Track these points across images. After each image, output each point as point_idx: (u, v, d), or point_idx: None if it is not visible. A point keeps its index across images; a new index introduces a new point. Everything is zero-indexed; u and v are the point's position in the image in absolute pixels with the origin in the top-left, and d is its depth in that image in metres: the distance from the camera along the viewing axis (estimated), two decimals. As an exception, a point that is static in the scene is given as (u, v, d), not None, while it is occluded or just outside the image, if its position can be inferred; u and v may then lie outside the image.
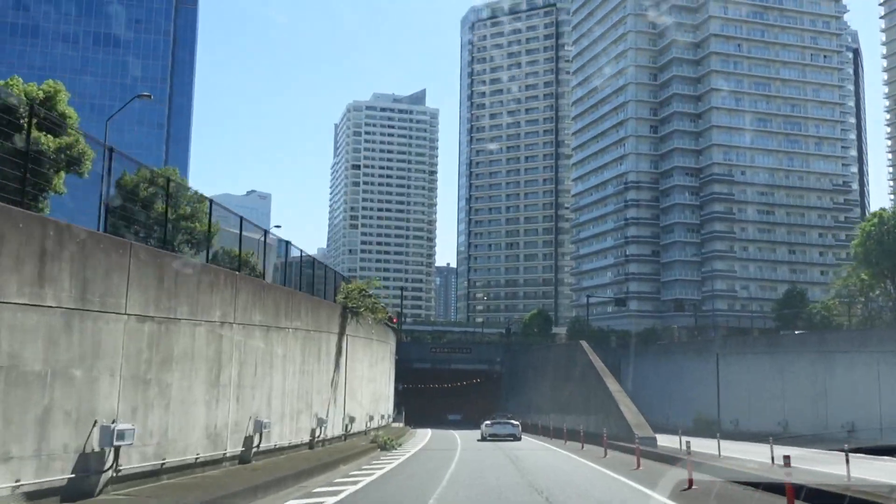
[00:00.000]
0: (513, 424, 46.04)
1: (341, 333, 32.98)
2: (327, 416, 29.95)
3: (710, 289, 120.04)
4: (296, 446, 25.54)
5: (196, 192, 41.41)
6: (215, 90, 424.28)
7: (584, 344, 48.67)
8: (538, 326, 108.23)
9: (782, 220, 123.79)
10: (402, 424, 64.60)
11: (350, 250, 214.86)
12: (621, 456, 30.72)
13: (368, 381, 42.74)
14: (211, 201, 23.10)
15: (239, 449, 19.98)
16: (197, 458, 17.30)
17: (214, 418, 18.26)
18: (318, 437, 28.25)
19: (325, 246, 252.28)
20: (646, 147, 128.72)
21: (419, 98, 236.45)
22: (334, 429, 31.58)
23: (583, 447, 36.69)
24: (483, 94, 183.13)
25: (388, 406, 55.66)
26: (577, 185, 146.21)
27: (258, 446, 21.04)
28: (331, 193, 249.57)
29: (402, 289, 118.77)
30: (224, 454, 19.01)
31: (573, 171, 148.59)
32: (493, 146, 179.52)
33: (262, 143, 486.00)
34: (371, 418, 42.20)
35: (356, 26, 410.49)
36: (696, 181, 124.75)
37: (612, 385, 40.23)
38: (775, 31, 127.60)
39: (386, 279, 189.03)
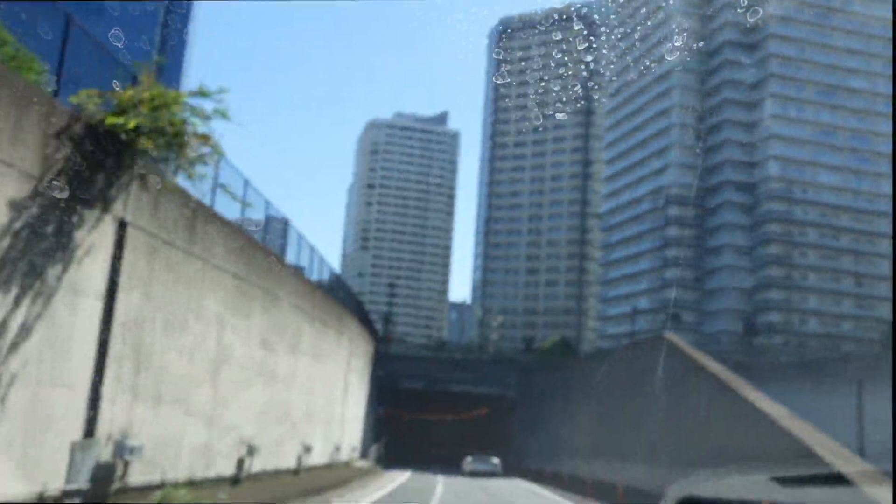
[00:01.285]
0: (493, 463, 47.12)
1: (103, 208, 10.29)
2: None
3: (764, 321, 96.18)
4: None
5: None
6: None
7: (676, 339, 25.34)
8: (558, 356, 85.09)
9: (848, 247, 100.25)
10: (368, 463, 41.61)
11: (360, 273, 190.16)
12: None
13: (259, 377, 20.09)
14: None
15: None
16: None
17: None
18: None
19: (338, 271, 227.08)
20: (690, 159, 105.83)
21: (441, 120, 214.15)
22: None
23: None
24: (507, 108, 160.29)
25: (338, 433, 32.85)
26: (608, 202, 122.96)
27: None
28: (345, 215, 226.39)
29: (391, 284, 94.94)
30: None
31: (605, 187, 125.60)
32: (516, 164, 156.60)
33: (280, 166, 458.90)
34: (252, 450, 19.30)
35: (380, 49, 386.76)
36: (750, 198, 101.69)
37: (771, 407, 16.92)
38: (839, 35, 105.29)
39: (397, 304, 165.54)
